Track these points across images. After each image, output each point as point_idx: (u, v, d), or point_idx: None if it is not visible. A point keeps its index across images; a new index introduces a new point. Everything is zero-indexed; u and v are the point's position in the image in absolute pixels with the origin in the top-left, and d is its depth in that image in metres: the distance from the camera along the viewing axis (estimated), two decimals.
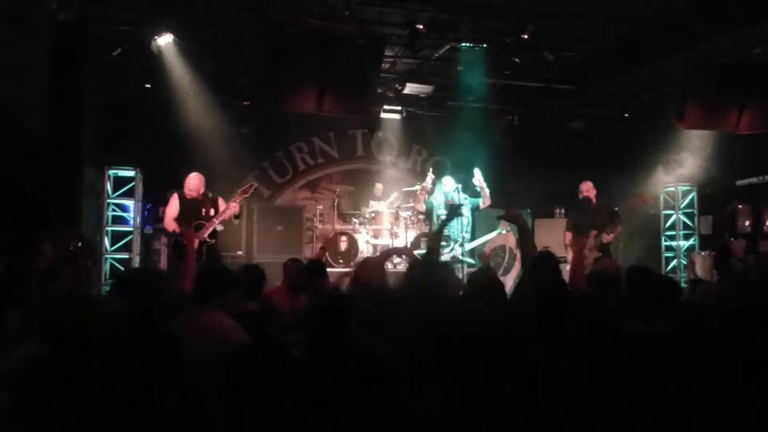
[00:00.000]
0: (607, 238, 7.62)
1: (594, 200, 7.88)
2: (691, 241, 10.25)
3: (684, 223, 10.31)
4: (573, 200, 9.78)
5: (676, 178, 10.17)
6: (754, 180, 9.43)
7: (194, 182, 6.88)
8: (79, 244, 6.20)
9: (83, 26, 7.20)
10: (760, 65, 7.53)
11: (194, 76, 8.40)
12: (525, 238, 4.48)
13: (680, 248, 10.18)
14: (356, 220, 9.57)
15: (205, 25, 7.57)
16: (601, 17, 7.44)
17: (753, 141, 8.16)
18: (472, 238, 7.91)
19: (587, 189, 7.88)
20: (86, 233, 7.92)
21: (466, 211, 7.44)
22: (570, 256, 8.03)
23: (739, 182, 9.71)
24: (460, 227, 7.43)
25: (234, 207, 6.75)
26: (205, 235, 6.72)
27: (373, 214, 9.50)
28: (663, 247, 10.41)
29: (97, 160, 8.55)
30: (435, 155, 11.32)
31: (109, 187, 8.89)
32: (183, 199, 6.89)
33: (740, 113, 7.58)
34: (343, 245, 9.37)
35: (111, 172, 8.90)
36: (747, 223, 9.74)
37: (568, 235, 8.01)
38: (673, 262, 10.26)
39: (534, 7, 7.23)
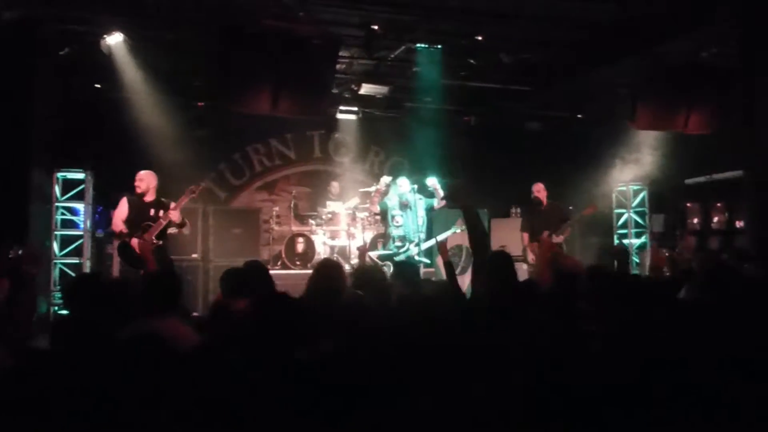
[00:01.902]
0: (557, 238, 7.93)
1: (545, 201, 8.13)
2: (642, 239, 10.49)
3: (635, 221, 10.55)
4: (529, 200, 9.95)
5: (628, 178, 10.41)
6: (702, 179, 9.70)
7: (145, 175, 6.77)
8: (20, 252, 5.99)
9: (30, 25, 6.99)
10: (707, 68, 7.76)
11: (147, 76, 8.22)
12: (470, 219, 4.23)
13: (632, 246, 10.41)
14: (313, 222, 9.50)
15: (158, 25, 7.41)
16: (555, 20, 7.54)
17: (701, 141, 8.40)
18: (428, 238, 7.96)
19: (538, 190, 8.22)
20: (34, 238, 7.69)
21: (421, 210, 7.50)
22: (530, 256, 8.19)
23: (688, 181, 9.98)
24: (415, 227, 7.48)
25: (176, 214, 6.63)
26: (153, 237, 6.59)
27: (329, 215, 9.45)
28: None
29: (45, 162, 8.29)
30: (392, 156, 11.33)
31: (57, 190, 8.65)
32: (132, 203, 6.76)
33: (688, 114, 7.81)
34: (300, 247, 9.29)
35: (60, 174, 8.66)
36: (696, 220, 10.03)
37: (525, 236, 8.18)
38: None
39: (489, 9, 7.28)
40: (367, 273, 3.88)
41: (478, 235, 4.15)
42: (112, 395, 2.08)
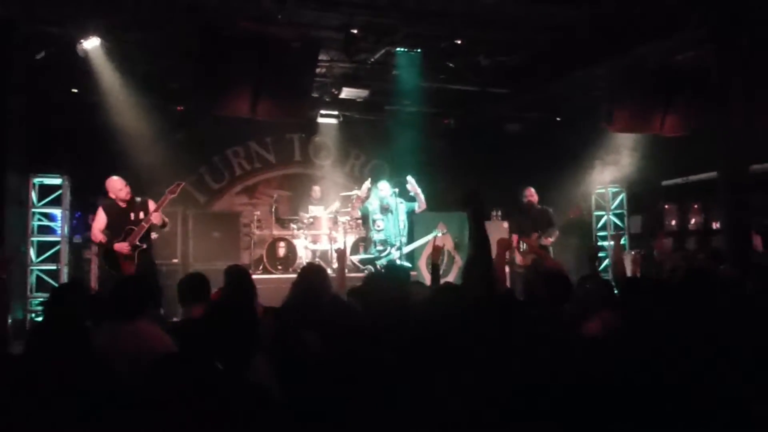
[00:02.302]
0: (546, 240, 8.18)
1: (536, 205, 8.33)
2: (621, 241, 10.58)
3: (614, 223, 10.65)
4: (509, 202, 10.01)
5: (607, 180, 10.51)
6: (679, 180, 9.83)
7: (116, 184, 6.69)
8: None
9: (5, 27, 6.89)
10: (683, 71, 7.86)
11: (124, 80, 8.16)
12: (477, 227, 4.15)
13: (611, 248, 10.50)
14: (294, 226, 9.47)
15: (135, 27, 7.36)
16: (533, 23, 7.60)
17: (678, 143, 8.51)
18: (409, 242, 7.97)
19: (530, 194, 8.45)
20: (9, 244, 7.57)
21: (402, 214, 7.51)
22: (518, 258, 8.27)
23: (665, 183, 10.11)
24: (396, 231, 7.48)
25: (158, 216, 6.59)
26: (137, 240, 6.53)
27: (311, 220, 9.43)
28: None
29: (21, 166, 8.16)
30: (373, 159, 11.35)
31: (34, 195, 8.53)
32: (109, 209, 6.69)
33: (664, 116, 7.89)
34: (282, 251, 9.26)
35: (36, 180, 8.54)
36: (674, 222, 10.15)
37: (515, 238, 8.30)
38: (606, 262, 10.57)
39: (467, 12, 7.32)
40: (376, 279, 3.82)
41: (482, 247, 4.07)
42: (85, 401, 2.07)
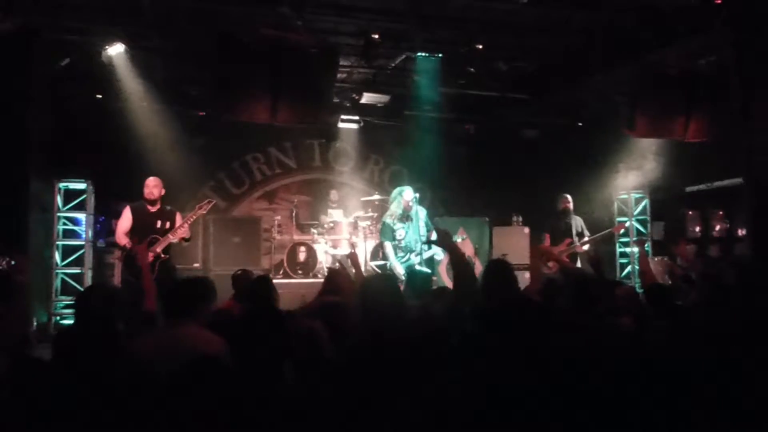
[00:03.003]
0: (579, 248, 8.35)
1: (571, 212, 8.54)
2: (644, 248, 10.43)
3: (637, 229, 10.52)
4: (529, 208, 9.98)
5: (630, 186, 10.40)
6: (702, 186, 9.69)
7: (153, 181, 6.78)
8: (12, 262, 5.98)
9: (31, 36, 7.03)
10: (706, 75, 7.76)
11: (147, 86, 8.29)
12: (457, 261, 4.16)
13: (634, 255, 10.38)
14: (314, 231, 9.51)
15: (156, 35, 7.46)
16: (552, 28, 7.56)
17: (701, 148, 8.39)
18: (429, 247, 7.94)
19: (566, 201, 8.60)
20: (33, 247, 7.70)
21: (421, 220, 7.48)
22: (550, 265, 8.28)
23: (688, 189, 9.97)
24: (416, 236, 7.45)
25: (185, 230, 6.65)
26: (159, 250, 6.59)
27: (331, 224, 9.46)
28: (617, 254, 10.61)
29: (45, 172, 8.32)
30: (392, 165, 11.36)
31: (59, 200, 8.68)
32: (136, 212, 6.76)
33: (687, 122, 7.78)
34: (302, 256, 9.30)
35: (61, 185, 8.69)
36: (697, 228, 10.00)
37: (547, 238, 8.49)
38: (628, 268, 10.46)
39: (487, 18, 7.31)
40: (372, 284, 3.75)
41: (467, 277, 4.08)
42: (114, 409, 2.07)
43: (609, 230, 9.02)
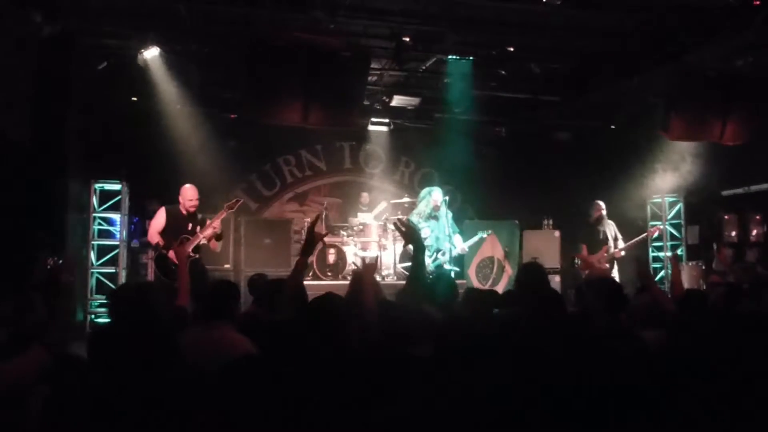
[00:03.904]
0: (617, 253, 8.32)
1: (605, 219, 8.45)
2: (678, 252, 10.28)
3: (671, 233, 10.36)
4: (560, 211, 9.89)
5: (663, 189, 10.23)
6: (739, 190, 9.50)
7: (190, 192, 6.86)
8: (60, 261, 6.11)
9: (69, 40, 7.19)
10: (743, 77, 7.61)
11: (181, 89, 8.40)
12: (414, 259, 4.13)
13: (667, 260, 10.21)
14: (344, 233, 9.53)
15: (191, 38, 7.57)
16: (585, 29, 7.49)
17: (737, 151, 8.24)
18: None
19: (600, 209, 8.45)
20: (71, 248, 7.87)
21: (448, 220, 7.50)
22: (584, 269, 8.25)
23: (725, 192, 9.78)
24: (443, 236, 7.48)
25: (216, 225, 6.74)
26: (189, 249, 6.68)
27: (361, 227, 9.47)
28: (650, 258, 10.45)
29: (82, 173, 8.50)
30: (423, 167, 11.34)
31: (95, 200, 8.84)
32: (171, 213, 6.86)
33: (724, 124, 7.65)
34: (332, 258, 9.32)
35: (97, 185, 8.86)
36: (734, 233, 9.80)
37: (584, 248, 8.37)
38: (661, 273, 10.29)
39: (519, 20, 7.26)
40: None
41: (419, 276, 4.07)
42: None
43: (644, 234, 8.88)
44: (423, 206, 7.60)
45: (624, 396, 2.04)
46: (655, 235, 9.51)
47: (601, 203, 8.50)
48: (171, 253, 6.64)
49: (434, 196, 7.50)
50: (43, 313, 3.20)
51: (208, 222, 6.83)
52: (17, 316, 3.24)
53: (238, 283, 9.07)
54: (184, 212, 6.84)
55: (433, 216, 7.50)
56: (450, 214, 7.65)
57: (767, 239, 9.38)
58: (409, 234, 4.26)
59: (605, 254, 8.21)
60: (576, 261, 8.53)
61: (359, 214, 9.90)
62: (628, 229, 9.08)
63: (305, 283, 6.06)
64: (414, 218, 7.45)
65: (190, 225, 6.81)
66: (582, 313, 3.97)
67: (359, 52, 7.12)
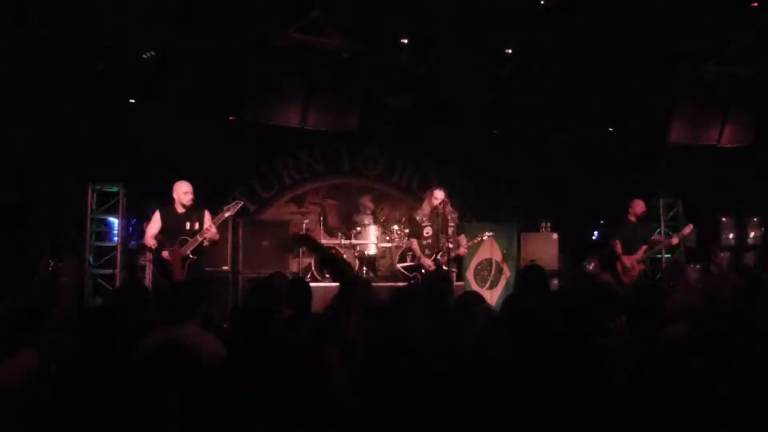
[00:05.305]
0: (675, 240, 8.60)
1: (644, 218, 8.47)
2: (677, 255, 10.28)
3: (668, 235, 10.34)
4: (558, 214, 9.88)
5: (661, 192, 10.24)
6: (736, 192, 9.52)
7: (183, 186, 6.83)
8: (60, 263, 6.08)
9: (65, 40, 7.17)
10: (741, 81, 7.64)
11: (179, 90, 8.38)
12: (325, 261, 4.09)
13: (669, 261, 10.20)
14: (343, 235, 9.53)
15: (188, 39, 7.55)
16: (585, 33, 7.50)
17: (736, 153, 8.26)
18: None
19: (641, 208, 8.36)
20: (70, 250, 7.83)
21: (450, 221, 7.51)
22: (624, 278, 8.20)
23: (722, 194, 9.80)
24: (444, 235, 7.52)
25: (213, 232, 6.69)
26: (188, 251, 6.65)
27: (359, 229, 9.47)
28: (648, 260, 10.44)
29: (80, 175, 8.46)
30: (420, 169, 11.34)
31: (93, 202, 8.81)
32: (166, 214, 6.83)
33: (722, 127, 7.68)
34: None
35: (95, 187, 8.82)
36: (731, 235, 9.81)
37: (618, 245, 8.22)
38: (659, 274, 10.28)
39: (518, 23, 7.27)
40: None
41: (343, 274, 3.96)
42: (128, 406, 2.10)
43: (686, 229, 8.72)
44: (425, 206, 7.71)
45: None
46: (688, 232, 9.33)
47: (641, 201, 8.36)
48: (165, 254, 6.62)
49: (435, 194, 7.57)
50: (75, 276, 3.25)
51: (207, 220, 6.80)
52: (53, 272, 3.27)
53: (235, 285, 9.14)
54: (181, 209, 6.81)
55: (435, 215, 7.55)
56: (456, 214, 7.71)
57: (765, 242, 9.39)
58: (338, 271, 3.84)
59: (644, 254, 8.19)
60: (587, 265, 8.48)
61: (358, 217, 9.89)
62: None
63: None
64: (417, 217, 7.54)
65: (188, 223, 6.77)
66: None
67: (357, 53, 7.12)
